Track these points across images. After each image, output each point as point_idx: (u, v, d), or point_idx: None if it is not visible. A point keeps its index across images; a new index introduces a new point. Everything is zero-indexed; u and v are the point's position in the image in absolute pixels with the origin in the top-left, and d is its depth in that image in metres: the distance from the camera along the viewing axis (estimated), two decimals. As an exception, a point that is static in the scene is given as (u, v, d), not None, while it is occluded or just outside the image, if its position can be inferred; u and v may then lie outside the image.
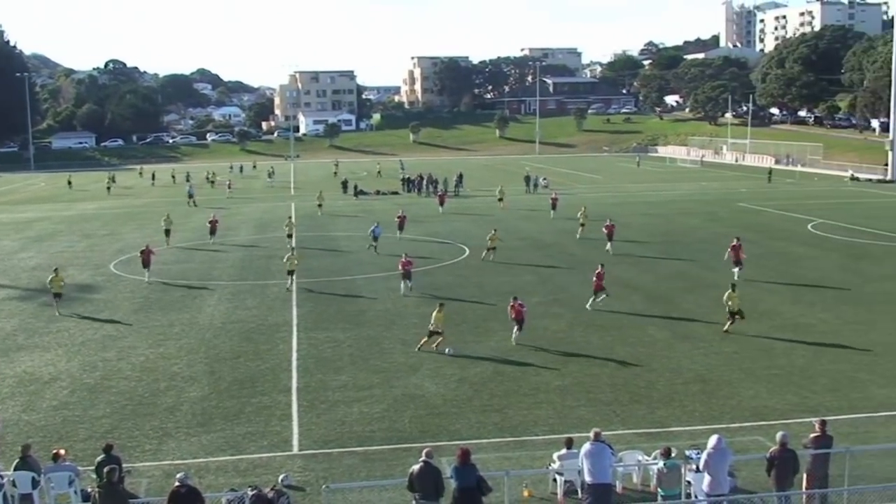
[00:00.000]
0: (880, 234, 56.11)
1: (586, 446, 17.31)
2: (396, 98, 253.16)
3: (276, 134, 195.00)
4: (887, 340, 30.90)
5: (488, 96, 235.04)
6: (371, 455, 21.39)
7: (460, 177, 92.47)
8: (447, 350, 29.71)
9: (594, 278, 36.16)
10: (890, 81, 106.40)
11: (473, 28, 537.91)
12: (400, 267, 39.53)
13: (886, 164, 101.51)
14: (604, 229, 50.46)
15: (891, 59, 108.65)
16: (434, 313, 30.46)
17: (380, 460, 21.05)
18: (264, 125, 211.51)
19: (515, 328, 30.96)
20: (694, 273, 43.72)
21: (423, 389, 26.15)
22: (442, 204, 72.55)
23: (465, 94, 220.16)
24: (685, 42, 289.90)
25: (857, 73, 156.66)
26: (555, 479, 19.08)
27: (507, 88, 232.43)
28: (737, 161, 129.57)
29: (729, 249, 42.79)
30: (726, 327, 32.03)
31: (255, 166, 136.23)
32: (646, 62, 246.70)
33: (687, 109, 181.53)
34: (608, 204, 74.19)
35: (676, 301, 37.49)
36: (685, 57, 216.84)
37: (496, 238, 48.12)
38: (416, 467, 16.43)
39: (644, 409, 24.41)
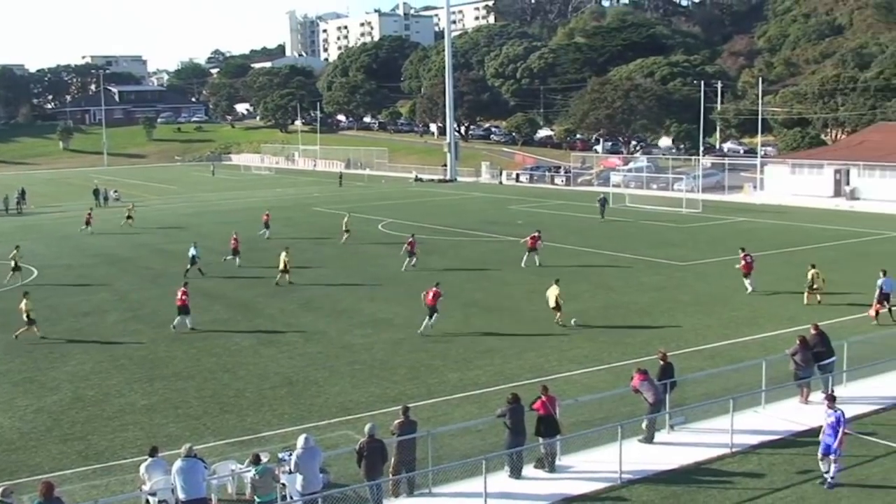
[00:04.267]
0: (444, 230, 60.46)
1: (178, 463, 17.06)
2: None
3: None
4: (456, 328, 33.44)
5: (49, 106, 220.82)
6: (-63, 504, 19.39)
7: (22, 193, 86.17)
8: None
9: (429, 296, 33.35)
10: (444, 89, 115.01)
11: (28, 34, 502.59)
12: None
13: (445, 165, 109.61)
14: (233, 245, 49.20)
15: (444, 67, 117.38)
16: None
17: (-52, 508, 19.15)
18: None
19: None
20: (274, 278, 44.25)
21: (-5, 425, 24.15)
22: (88, 224, 63.49)
23: (22, 105, 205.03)
24: (252, 51, 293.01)
25: (415, 80, 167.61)
26: (147, 501, 18.50)
27: (69, 98, 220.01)
28: (313, 167, 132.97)
29: (529, 239, 46.45)
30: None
31: None
32: (214, 70, 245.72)
33: (258, 118, 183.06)
34: (184, 214, 73.01)
35: (259, 307, 37.80)
36: (253, 66, 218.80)
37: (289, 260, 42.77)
38: (-9, 510, 15.26)
39: (234, 417, 24.38)
